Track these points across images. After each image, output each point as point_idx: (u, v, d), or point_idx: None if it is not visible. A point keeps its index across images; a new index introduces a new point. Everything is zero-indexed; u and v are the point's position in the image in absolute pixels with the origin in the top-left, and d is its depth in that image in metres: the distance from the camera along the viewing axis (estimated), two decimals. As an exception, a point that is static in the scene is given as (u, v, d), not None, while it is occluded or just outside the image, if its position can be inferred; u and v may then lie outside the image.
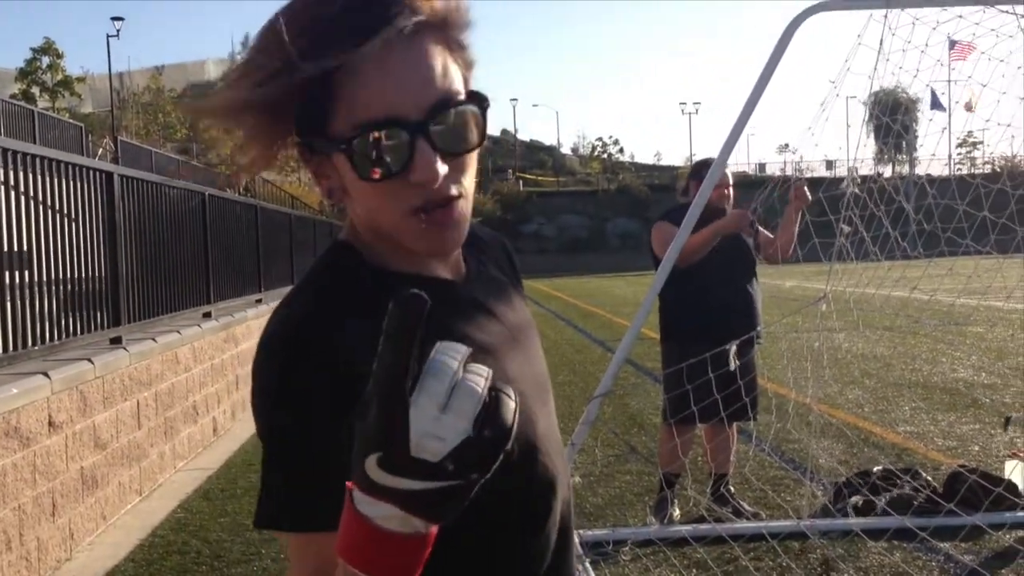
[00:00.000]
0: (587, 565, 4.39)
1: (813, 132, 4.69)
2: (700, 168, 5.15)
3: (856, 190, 4.69)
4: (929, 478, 5.24)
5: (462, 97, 0.94)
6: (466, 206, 0.97)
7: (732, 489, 5.20)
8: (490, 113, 0.96)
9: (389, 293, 0.78)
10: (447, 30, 0.95)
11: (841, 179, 4.92)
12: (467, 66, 0.98)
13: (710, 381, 4.63)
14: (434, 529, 0.73)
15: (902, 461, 6.08)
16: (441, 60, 0.93)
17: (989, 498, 4.82)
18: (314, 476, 0.87)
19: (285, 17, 0.91)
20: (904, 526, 4.56)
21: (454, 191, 0.94)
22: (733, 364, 4.74)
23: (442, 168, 0.91)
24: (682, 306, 4.90)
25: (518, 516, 0.99)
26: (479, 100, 0.95)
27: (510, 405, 0.72)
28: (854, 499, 5.08)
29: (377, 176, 0.92)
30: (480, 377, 0.72)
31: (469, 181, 0.97)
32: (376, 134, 0.90)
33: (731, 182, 5.11)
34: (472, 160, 0.97)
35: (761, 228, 5.17)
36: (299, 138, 0.95)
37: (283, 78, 0.88)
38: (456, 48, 0.96)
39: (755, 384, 5.04)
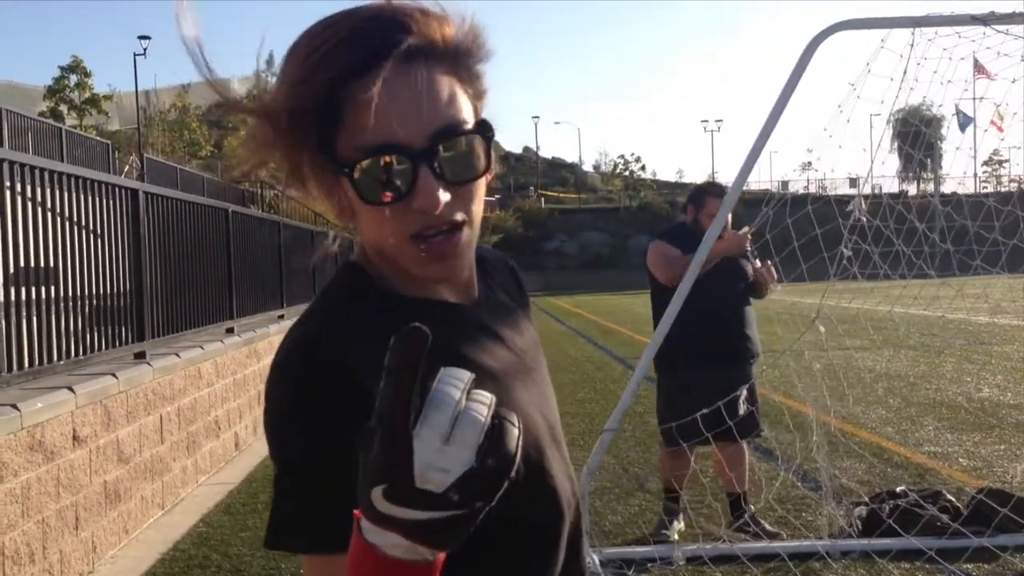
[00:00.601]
0: (606, 584, 4.38)
1: (831, 134, 4.65)
2: (700, 193, 5.23)
3: (864, 218, 4.66)
4: (952, 498, 5.18)
5: (468, 126, 0.94)
6: (470, 234, 0.98)
7: (752, 508, 5.18)
8: (495, 142, 0.97)
9: (397, 316, 0.80)
10: (458, 58, 0.95)
11: (864, 196, 4.88)
12: (477, 95, 0.99)
13: (708, 405, 4.60)
14: (441, 556, 0.74)
15: (925, 481, 6.02)
16: (448, 88, 0.93)
17: (1014, 521, 4.75)
18: (326, 496, 0.88)
19: (298, 43, 0.94)
20: (925, 547, 4.51)
21: (458, 217, 0.95)
22: (743, 408, 4.78)
23: (444, 196, 0.92)
24: (676, 332, 4.62)
25: (525, 541, 0.99)
26: (483, 129, 0.95)
27: (513, 433, 0.72)
28: (858, 510, 5.06)
29: (377, 200, 0.93)
30: (483, 405, 0.72)
31: (476, 209, 0.98)
32: (379, 159, 0.91)
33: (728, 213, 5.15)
34: (478, 188, 0.97)
35: (757, 262, 5.20)
36: (311, 158, 0.95)
37: (295, 101, 0.91)
38: (466, 77, 0.97)
39: (756, 401, 5.03)
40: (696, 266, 4.41)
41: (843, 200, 4.72)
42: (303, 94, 0.91)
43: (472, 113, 0.96)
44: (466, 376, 0.73)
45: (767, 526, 5.09)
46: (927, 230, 5.00)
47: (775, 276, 5.14)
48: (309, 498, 0.90)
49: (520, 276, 1.27)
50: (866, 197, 4.89)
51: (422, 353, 0.70)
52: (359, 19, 0.92)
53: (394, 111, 0.90)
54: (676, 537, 5.04)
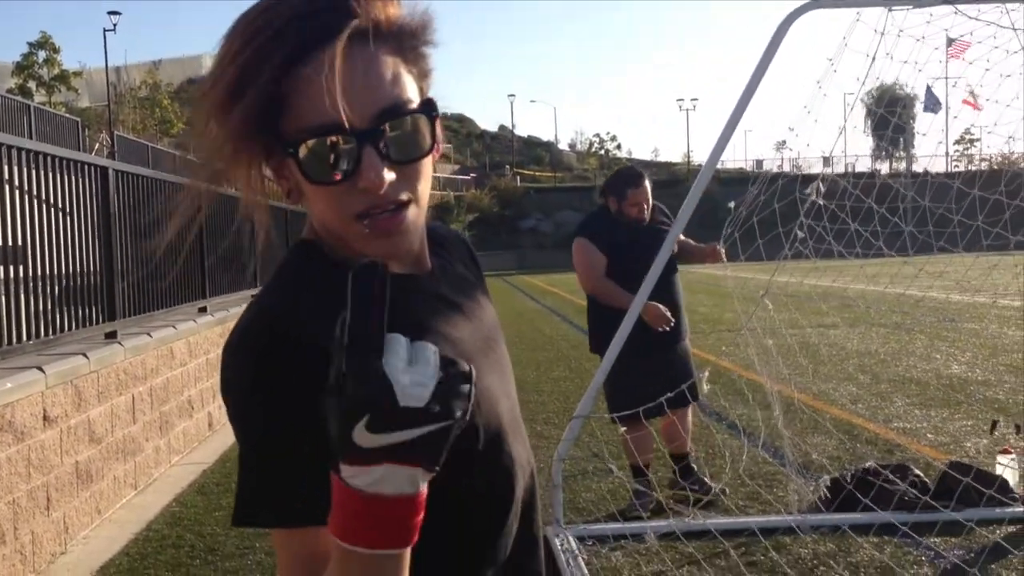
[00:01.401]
0: (580, 560, 4.42)
1: (810, 110, 4.66)
2: (620, 184, 5.27)
3: (821, 201, 4.69)
4: (920, 473, 5.27)
5: (413, 106, 0.95)
6: (417, 212, 0.98)
7: (695, 466, 5.42)
8: (439, 121, 0.98)
9: None
10: (402, 38, 0.96)
11: (826, 178, 4.90)
12: (423, 75, 0.99)
13: (648, 386, 4.84)
14: (423, 490, 0.76)
15: (894, 457, 6.10)
16: (392, 68, 0.94)
17: (980, 495, 4.84)
18: (292, 470, 0.88)
19: (239, 25, 0.93)
20: (894, 521, 4.59)
21: (403, 197, 0.95)
22: (706, 387, 4.97)
23: (389, 175, 0.92)
24: (610, 322, 4.84)
25: (482, 508, 1.02)
26: (428, 108, 0.96)
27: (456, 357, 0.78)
28: (823, 479, 5.14)
29: (323, 180, 0.94)
30: (426, 342, 0.77)
31: (422, 187, 0.98)
32: (324, 139, 0.91)
33: (649, 198, 5.22)
34: (424, 167, 0.98)
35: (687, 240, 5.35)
36: (258, 141, 0.95)
37: (240, 85, 0.90)
38: (411, 57, 0.97)
39: (690, 373, 5.20)
40: (635, 309, 4.52)
41: (812, 179, 4.74)
42: (248, 78, 0.90)
43: (417, 92, 0.97)
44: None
45: (709, 480, 5.32)
46: (888, 212, 5.05)
47: (722, 258, 5.20)
48: (275, 472, 0.90)
49: (474, 252, 1.28)
50: (841, 176, 4.92)
51: (384, 280, 0.74)
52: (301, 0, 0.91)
53: (336, 92, 0.89)
54: (647, 514, 5.11)
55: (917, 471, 5.30)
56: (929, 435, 6.92)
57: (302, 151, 0.92)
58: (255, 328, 0.95)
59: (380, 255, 0.97)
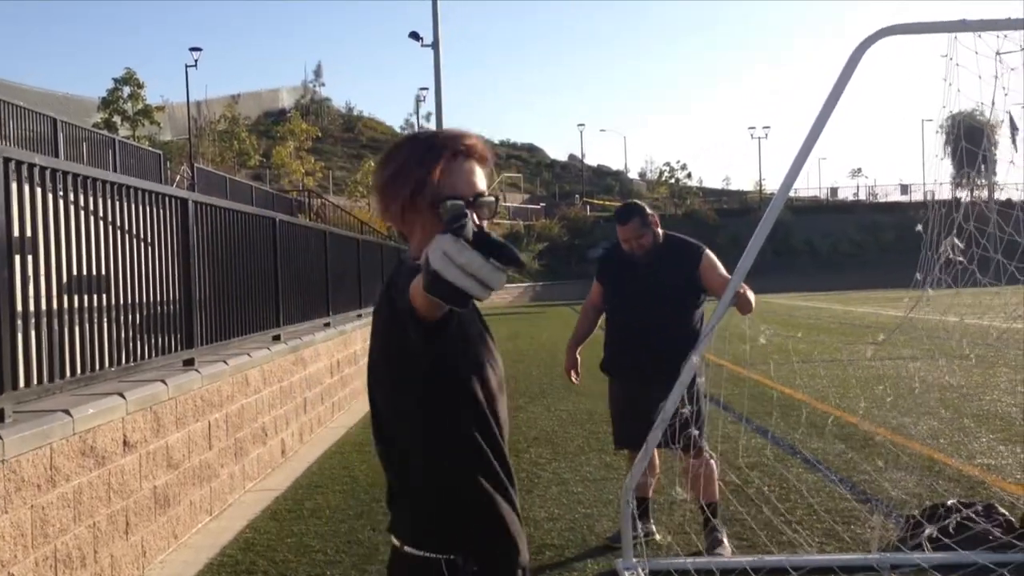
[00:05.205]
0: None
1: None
2: (622, 212, 5.26)
3: (960, 258, 4.50)
4: (1005, 512, 5.07)
5: (488, 193, 1.91)
6: None
7: (715, 519, 5.12)
8: (499, 206, 1.72)
9: None
10: (484, 161, 1.94)
11: (921, 203, 4.75)
12: (491, 176, 1.95)
13: (628, 412, 5.00)
14: (445, 309, 1.53)
15: (977, 494, 5.89)
16: (479, 171, 1.93)
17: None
18: None
19: (414, 145, 1.94)
20: (979, 562, 4.41)
21: None
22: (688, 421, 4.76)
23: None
24: (605, 344, 5.41)
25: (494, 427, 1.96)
26: (494, 196, 1.94)
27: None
28: (928, 531, 4.94)
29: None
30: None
31: None
32: (450, 202, 1.82)
33: (635, 235, 5.14)
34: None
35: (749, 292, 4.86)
36: (409, 199, 1.88)
37: (419, 173, 1.87)
38: (486, 168, 1.94)
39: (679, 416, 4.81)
40: (731, 293, 4.54)
41: (895, 206, 4.62)
42: (420, 170, 1.86)
43: (489, 184, 1.91)
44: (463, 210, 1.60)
45: (726, 541, 5.05)
46: (980, 236, 4.86)
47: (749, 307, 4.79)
48: None
49: None
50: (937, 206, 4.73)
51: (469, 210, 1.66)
52: (441, 134, 1.93)
53: (460, 180, 1.87)
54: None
55: (1002, 510, 5.10)
56: (1015, 472, 6.66)
57: (442, 209, 1.82)
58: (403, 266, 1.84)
59: None
